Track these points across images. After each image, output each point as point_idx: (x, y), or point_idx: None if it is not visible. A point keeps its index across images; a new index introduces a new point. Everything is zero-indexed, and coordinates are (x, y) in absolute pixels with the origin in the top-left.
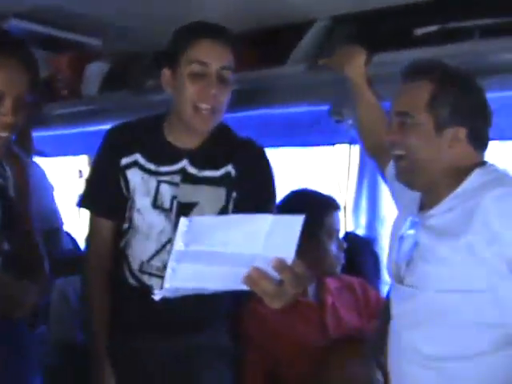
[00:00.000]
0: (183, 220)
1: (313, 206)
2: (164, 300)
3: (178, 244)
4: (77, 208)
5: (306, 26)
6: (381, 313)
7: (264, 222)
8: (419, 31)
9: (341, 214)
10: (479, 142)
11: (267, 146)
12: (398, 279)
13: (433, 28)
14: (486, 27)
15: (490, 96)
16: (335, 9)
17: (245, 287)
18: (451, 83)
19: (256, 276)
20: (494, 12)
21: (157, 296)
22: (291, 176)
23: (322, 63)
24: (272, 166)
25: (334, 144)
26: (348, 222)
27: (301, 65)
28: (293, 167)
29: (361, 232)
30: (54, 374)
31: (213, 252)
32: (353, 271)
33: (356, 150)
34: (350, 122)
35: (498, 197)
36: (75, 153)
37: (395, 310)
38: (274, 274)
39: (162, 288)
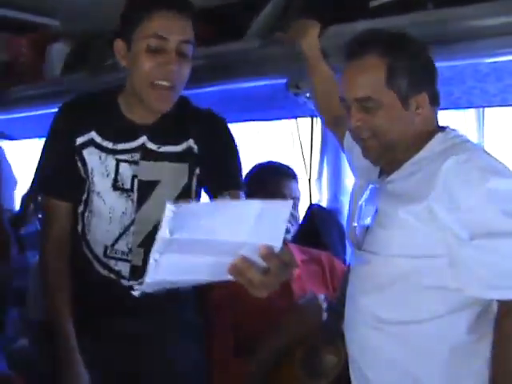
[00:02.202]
0: (169, 206)
1: (267, 176)
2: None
3: (164, 232)
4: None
5: (264, 1)
6: (342, 280)
7: (252, 207)
8: (374, 2)
9: (302, 184)
10: (436, 99)
11: (229, 122)
12: (358, 245)
13: None
14: None
15: (444, 65)
16: None
17: (229, 277)
18: (400, 52)
19: (243, 266)
20: None
21: (136, 292)
22: (256, 150)
23: (278, 37)
24: (234, 136)
25: (296, 117)
26: (313, 194)
27: (257, 39)
28: (257, 142)
29: (325, 203)
30: (30, 353)
31: (198, 240)
32: (318, 243)
33: (318, 122)
34: (308, 94)
35: (458, 163)
36: (39, 135)
37: (353, 275)
38: (261, 262)
39: (142, 282)
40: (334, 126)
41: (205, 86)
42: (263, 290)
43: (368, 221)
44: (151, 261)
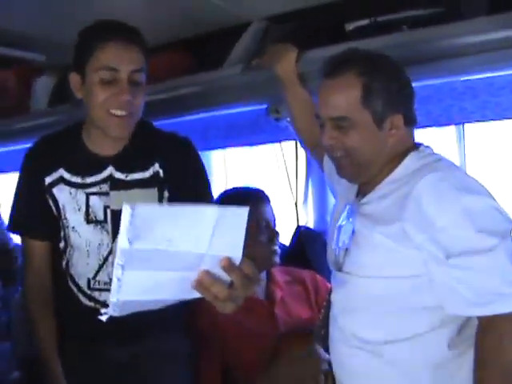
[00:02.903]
0: (126, 208)
1: (237, 200)
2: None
3: (123, 241)
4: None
5: (243, 28)
6: (327, 301)
7: (209, 213)
8: (350, 26)
9: (288, 207)
10: (412, 120)
11: (213, 148)
12: (337, 267)
13: (363, 22)
14: (413, 18)
15: (421, 84)
16: (268, 9)
17: (196, 295)
18: (377, 72)
19: (206, 281)
20: (420, 4)
21: (104, 316)
22: (241, 175)
23: (255, 63)
24: (200, 157)
25: (279, 141)
26: (300, 216)
27: (237, 66)
28: (243, 167)
29: (312, 225)
30: None
31: (158, 251)
32: (305, 264)
33: None
34: (289, 118)
35: (431, 182)
36: None
37: (333, 296)
38: (224, 276)
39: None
40: (314, 149)
41: (187, 114)
42: (229, 304)
43: (346, 242)
44: (114, 279)
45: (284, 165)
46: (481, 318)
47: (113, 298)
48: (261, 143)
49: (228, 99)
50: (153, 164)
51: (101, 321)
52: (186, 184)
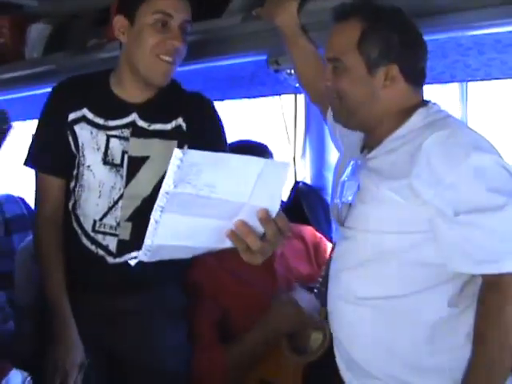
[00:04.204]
0: (177, 152)
1: (241, 153)
2: (119, 262)
3: (168, 184)
4: (24, 167)
5: None
6: (328, 259)
7: (255, 164)
8: None
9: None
10: (415, 78)
11: (212, 100)
12: (340, 222)
13: None
14: None
15: (426, 39)
16: None
17: (228, 244)
18: (379, 20)
19: (242, 231)
20: None
21: (133, 260)
22: (240, 128)
23: (256, 13)
24: (221, 117)
25: (279, 94)
26: (298, 171)
27: (236, 16)
28: (242, 120)
29: (310, 181)
30: (21, 337)
31: (200, 197)
32: (303, 220)
33: (302, 99)
34: (289, 71)
35: (440, 139)
36: (22, 117)
37: (335, 251)
38: (258, 227)
39: (140, 249)
40: (318, 100)
41: (185, 64)
42: (259, 256)
43: (350, 197)
44: (152, 221)
45: (283, 118)
46: (486, 276)
47: (148, 240)
48: (260, 96)
49: (227, 49)
50: (176, 117)
51: (102, 268)
52: (207, 141)
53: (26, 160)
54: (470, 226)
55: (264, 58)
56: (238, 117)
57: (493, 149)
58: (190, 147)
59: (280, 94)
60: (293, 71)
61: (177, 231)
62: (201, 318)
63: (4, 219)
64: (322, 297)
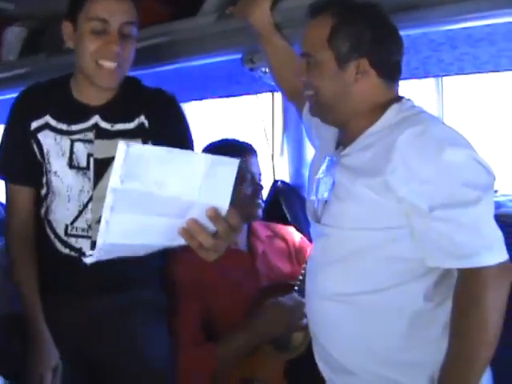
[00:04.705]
0: (121, 145)
1: (224, 152)
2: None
3: (115, 180)
4: None
5: None
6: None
7: (202, 160)
8: None
9: (264, 160)
10: (388, 72)
11: (189, 100)
12: (316, 219)
13: None
14: None
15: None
16: None
17: (182, 242)
18: (350, 15)
19: (193, 229)
20: None
21: (88, 259)
22: (219, 127)
23: (230, 12)
24: (184, 112)
25: (255, 93)
26: (276, 169)
27: (211, 15)
28: (220, 119)
29: (288, 179)
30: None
31: (148, 194)
32: (282, 218)
33: (279, 98)
34: (264, 69)
35: (413, 136)
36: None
37: (312, 249)
38: (209, 225)
39: (93, 248)
40: (294, 98)
41: (161, 64)
42: (213, 253)
43: (326, 194)
44: (102, 222)
45: (260, 117)
46: (462, 270)
47: (100, 239)
48: (237, 95)
49: (202, 49)
50: (138, 115)
51: (77, 270)
52: (170, 137)
53: None
54: (446, 221)
55: (239, 56)
56: (215, 116)
57: (467, 143)
58: (153, 145)
59: (256, 93)
60: (268, 69)
61: (128, 230)
62: (187, 316)
63: None
64: (302, 294)
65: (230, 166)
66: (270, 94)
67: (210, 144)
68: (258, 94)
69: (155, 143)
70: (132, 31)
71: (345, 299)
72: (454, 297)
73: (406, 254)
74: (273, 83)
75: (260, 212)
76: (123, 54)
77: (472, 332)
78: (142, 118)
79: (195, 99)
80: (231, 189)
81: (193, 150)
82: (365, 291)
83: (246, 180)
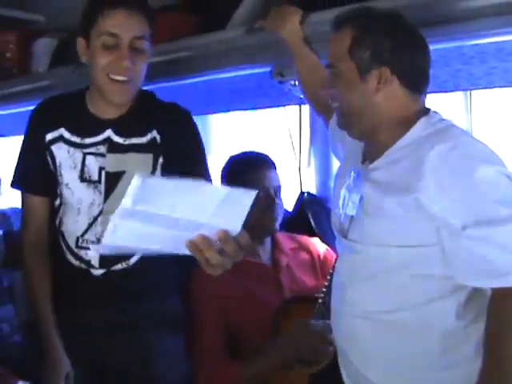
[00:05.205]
0: (136, 178)
1: (243, 167)
2: (102, 274)
3: (127, 201)
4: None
5: None
6: (332, 268)
7: (217, 193)
8: None
9: (291, 173)
10: (412, 82)
11: (217, 112)
12: (343, 233)
13: None
14: None
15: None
16: None
17: (187, 252)
18: (373, 25)
19: (202, 244)
20: None
21: (92, 251)
22: (246, 140)
23: (259, 26)
24: (198, 128)
25: (283, 106)
26: (304, 182)
27: (240, 28)
28: (248, 131)
29: (315, 191)
30: (22, 350)
31: (159, 215)
32: (308, 230)
33: (307, 110)
34: (293, 82)
35: (443, 152)
36: None
37: (339, 264)
38: (217, 243)
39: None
40: (322, 111)
41: (190, 76)
42: (218, 269)
43: (353, 209)
44: (110, 225)
45: (288, 129)
46: (496, 289)
47: (105, 239)
48: (264, 107)
49: (231, 62)
50: (151, 130)
51: (88, 282)
52: (181, 152)
53: (13, 181)
54: (479, 239)
55: (268, 69)
56: (243, 128)
57: (498, 159)
58: (164, 160)
59: (284, 105)
60: (297, 82)
61: (135, 236)
62: (211, 331)
63: (9, 232)
64: (325, 307)
65: (246, 198)
66: (298, 106)
67: (231, 157)
68: (286, 107)
69: (166, 159)
70: (143, 45)
71: (376, 317)
72: (488, 316)
73: (437, 272)
74: (302, 96)
75: (276, 226)
76: (134, 68)
77: (507, 352)
78: (155, 133)
79: (223, 111)
80: (244, 218)
81: (205, 164)
82: (395, 309)
83: (264, 194)
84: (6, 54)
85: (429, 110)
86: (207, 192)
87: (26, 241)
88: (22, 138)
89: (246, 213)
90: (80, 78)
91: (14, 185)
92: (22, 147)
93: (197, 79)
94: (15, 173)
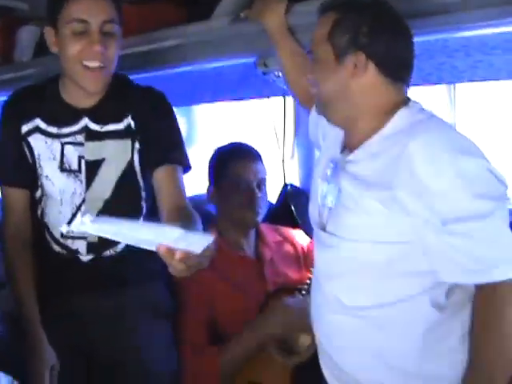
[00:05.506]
0: (86, 218)
1: (230, 158)
2: (90, 260)
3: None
4: None
5: None
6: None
7: (172, 233)
8: None
9: (275, 164)
10: (391, 70)
11: (201, 102)
12: (320, 226)
13: None
14: None
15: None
16: None
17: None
18: (354, 10)
19: (164, 255)
20: None
21: (63, 228)
22: (229, 130)
23: (244, 15)
24: (172, 110)
25: (267, 97)
26: (288, 173)
27: (225, 18)
28: (231, 122)
29: (299, 183)
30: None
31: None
32: (292, 222)
33: (291, 101)
34: (277, 73)
35: (423, 144)
36: None
37: (317, 257)
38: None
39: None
40: (306, 102)
41: (174, 66)
42: (184, 273)
43: (331, 201)
44: (78, 218)
45: (272, 121)
46: (478, 286)
47: (73, 227)
48: (248, 98)
49: (215, 52)
50: (126, 116)
51: (75, 270)
52: (156, 137)
53: None
54: (458, 235)
55: (252, 60)
56: (226, 119)
57: (479, 152)
58: (140, 145)
59: (269, 96)
60: (281, 73)
61: (107, 232)
62: (191, 320)
63: None
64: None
65: (201, 241)
66: (282, 97)
67: (219, 148)
68: (270, 98)
69: (142, 144)
70: (114, 29)
71: (357, 313)
72: (474, 311)
73: (417, 268)
74: (285, 87)
75: (258, 219)
76: (107, 52)
77: (493, 346)
78: (129, 119)
79: (207, 102)
80: (202, 248)
81: (181, 147)
82: (376, 305)
83: (238, 187)
84: None
85: (409, 99)
86: (163, 232)
87: (6, 233)
88: None
89: (202, 248)
90: None
91: None
92: None
93: (181, 69)
94: None
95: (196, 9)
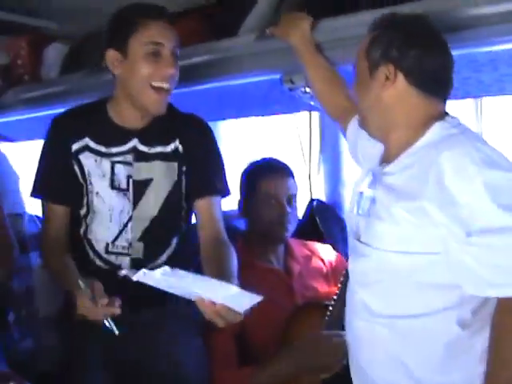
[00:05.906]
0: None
1: (262, 174)
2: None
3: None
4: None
5: None
6: (344, 275)
7: (229, 290)
8: None
9: (301, 179)
10: (423, 83)
11: (227, 118)
12: (356, 235)
13: None
14: None
15: None
16: None
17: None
18: (390, 27)
19: (206, 307)
20: None
21: (122, 272)
22: (256, 146)
23: (269, 32)
24: (215, 137)
25: (293, 112)
26: (315, 188)
27: (251, 35)
28: (257, 137)
29: (325, 198)
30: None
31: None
32: (318, 237)
33: (316, 117)
34: (303, 89)
35: (452, 158)
36: (38, 136)
37: (351, 266)
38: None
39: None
40: (337, 116)
41: (200, 83)
42: (220, 325)
43: (366, 211)
44: (141, 272)
45: (298, 136)
46: (499, 300)
47: (135, 278)
48: (274, 114)
49: (241, 68)
50: (174, 140)
51: (116, 285)
52: (199, 167)
53: (33, 190)
54: (483, 247)
55: (278, 76)
56: (252, 134)
57: (509, 165)
58: (186, 169)
59: (295, 112)
60: (307, 89)
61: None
62: (221, 336)
63: (22, 237)
64: (336, 314)
65: (250, 300)
66: (308, 112)
67: (251, 163)
68: (296, 113)
69: (188, 168)
70: (178, 53)
71: (382, 321)
72: (493, 325)
73: (442, 281)
74: (312, 103)
75: (287, 234)
76: (175, 76)
77: (510, 361)
78: (177, 143)
79: (233, 118)
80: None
81: (222, 178)
82: (401, 315)
83: (268, 202)
84: (17, 60)
85: (446, 114)
86: (218, 287)
87: (45, 247)
88: (36, 145)
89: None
90: (91, 84)
91: (34, 193)
92: (43, 156)
93: (207, 85)
94: (36, 182)
95: (222, 25)
